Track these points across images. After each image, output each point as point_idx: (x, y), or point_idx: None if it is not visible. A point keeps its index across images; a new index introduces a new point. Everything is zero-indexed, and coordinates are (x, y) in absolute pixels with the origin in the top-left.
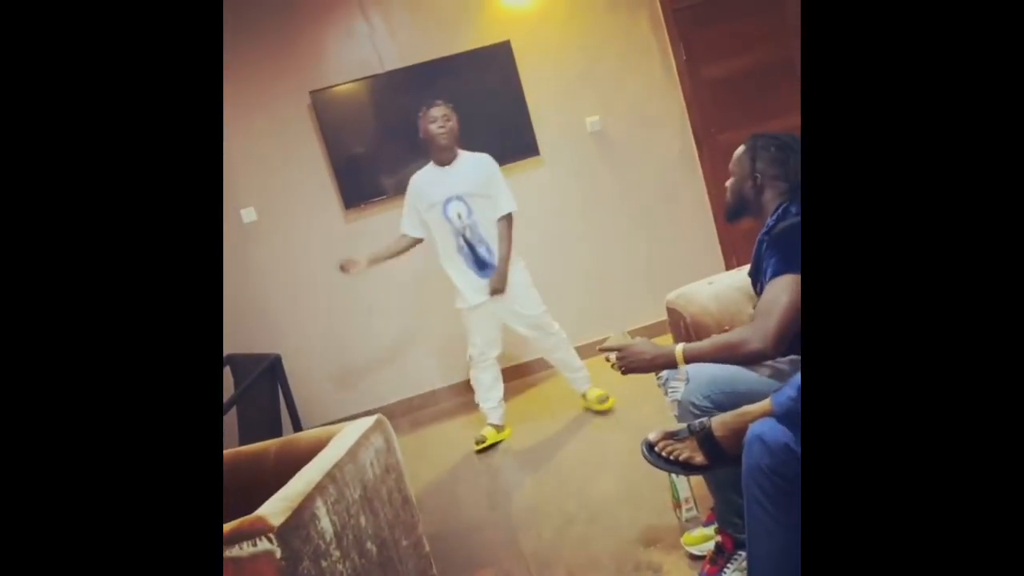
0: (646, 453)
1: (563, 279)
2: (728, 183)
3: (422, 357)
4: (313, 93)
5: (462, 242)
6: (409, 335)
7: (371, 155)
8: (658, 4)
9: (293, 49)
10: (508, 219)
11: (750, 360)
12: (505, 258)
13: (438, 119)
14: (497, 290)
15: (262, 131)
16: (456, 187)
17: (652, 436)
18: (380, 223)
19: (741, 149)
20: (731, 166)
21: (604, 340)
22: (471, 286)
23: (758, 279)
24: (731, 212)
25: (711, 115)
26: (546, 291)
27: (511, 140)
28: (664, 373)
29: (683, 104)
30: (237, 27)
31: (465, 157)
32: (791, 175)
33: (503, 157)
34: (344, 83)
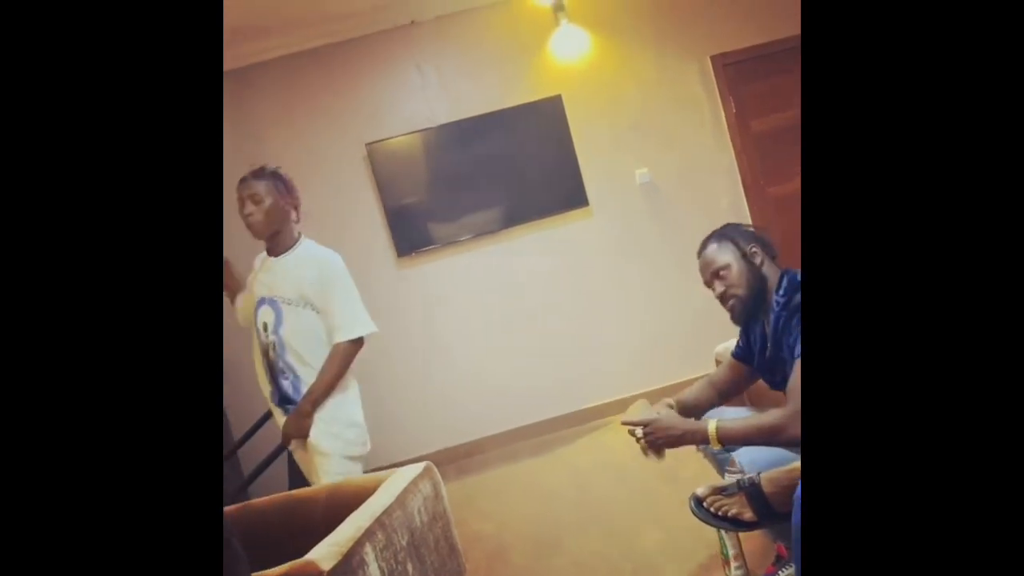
0: (695, 508)
1: (610, 330)
2: (724, 286)
3: (469, 404)
4: (369, 145)
5: (266, 363)
6: (457, 382)
7: (423, 205)
8: (708, 59)
9: (350, 102)
10: (347, 349)
11: (786, 445)
12: (316, 395)
13: (246, 201)
14: (289, 435)
15: (319, 181)
16: (272, 286)
17: (701, 491)
18: (431, 271)
19: (712, 247)
20: (716, 269)
21: (633, 402)
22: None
23: (777, 356)
24: (746, 310)
25: (760, 168)
26: (593, 342)
27: (560, 191)
28: (716, 454)
29: (732, 157)
30: (296, 80)
31: (303, 250)
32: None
33: (552, 207)
34: (398, 136)
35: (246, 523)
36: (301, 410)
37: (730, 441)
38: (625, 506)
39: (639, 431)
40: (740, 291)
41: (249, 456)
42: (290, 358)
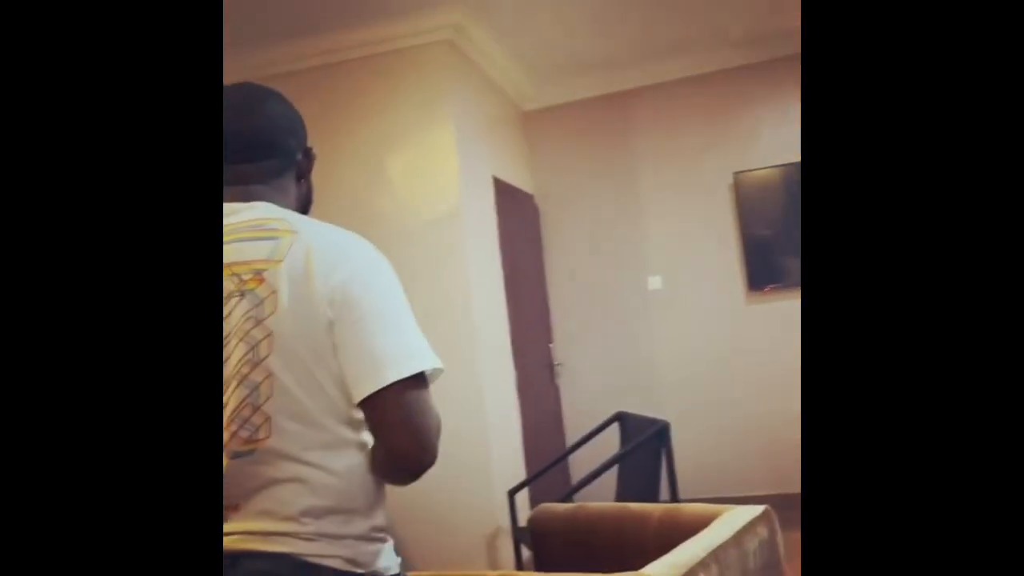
0: None
1: None
2: None
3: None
4: (736, 174)
5: None
6: (790, 430)
7: (779, 240)
8: None
9: (726, 129)
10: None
11: None
12: None
13: None
14: None
15: (680, 204)
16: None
17: None
18: (779, 311)
19: None
20: None
21: None
22: None
23: None
24: None
25: None
26: None
27: None
28: None
29: None
30: (677, 104)
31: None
32: None
33: None
34: (766, 167)
35: (578, 524)
36: None
37: None
38: None
39: None
40: None
41: (580, 465)
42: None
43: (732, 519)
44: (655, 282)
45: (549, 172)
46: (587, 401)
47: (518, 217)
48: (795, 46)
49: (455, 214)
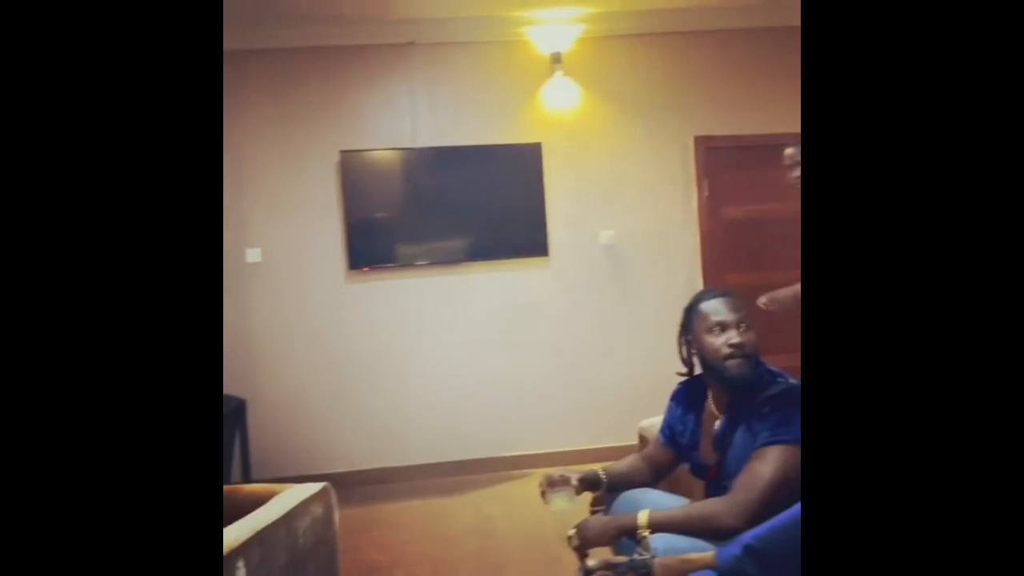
0: None
1: (547, 382)
2: (742, 339)
3: (387, 431)
4: (344, 153)
5: None
6: (380, 406)
7: (386, 223)
8: (692, 138)
9: (333, 107)
10: None
11: (721, 536)
12: None
13: None
14: None
15: (284, 177)
16: None
17: (592, 563)
18: (378, 291)
19: (726, 299)
20: (735, 320)
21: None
22: None
23: (721, 448)
24: (748, 375)
25: (721, 254)
26: (527, 391)
27: (523, 237)
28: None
29: (698, 238)
30: (283, 75)
31: None
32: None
33: (512, 251)
34: (376, 149)
35: None
36: None
37: (663, 530)
38: (525, 564)
39: (574, 540)
40: (753, 351)
41: None
42: None
43: (286, 499)
44: (254, 254)
45: None
46: None
47: None
48: (401, 35)
49: None
